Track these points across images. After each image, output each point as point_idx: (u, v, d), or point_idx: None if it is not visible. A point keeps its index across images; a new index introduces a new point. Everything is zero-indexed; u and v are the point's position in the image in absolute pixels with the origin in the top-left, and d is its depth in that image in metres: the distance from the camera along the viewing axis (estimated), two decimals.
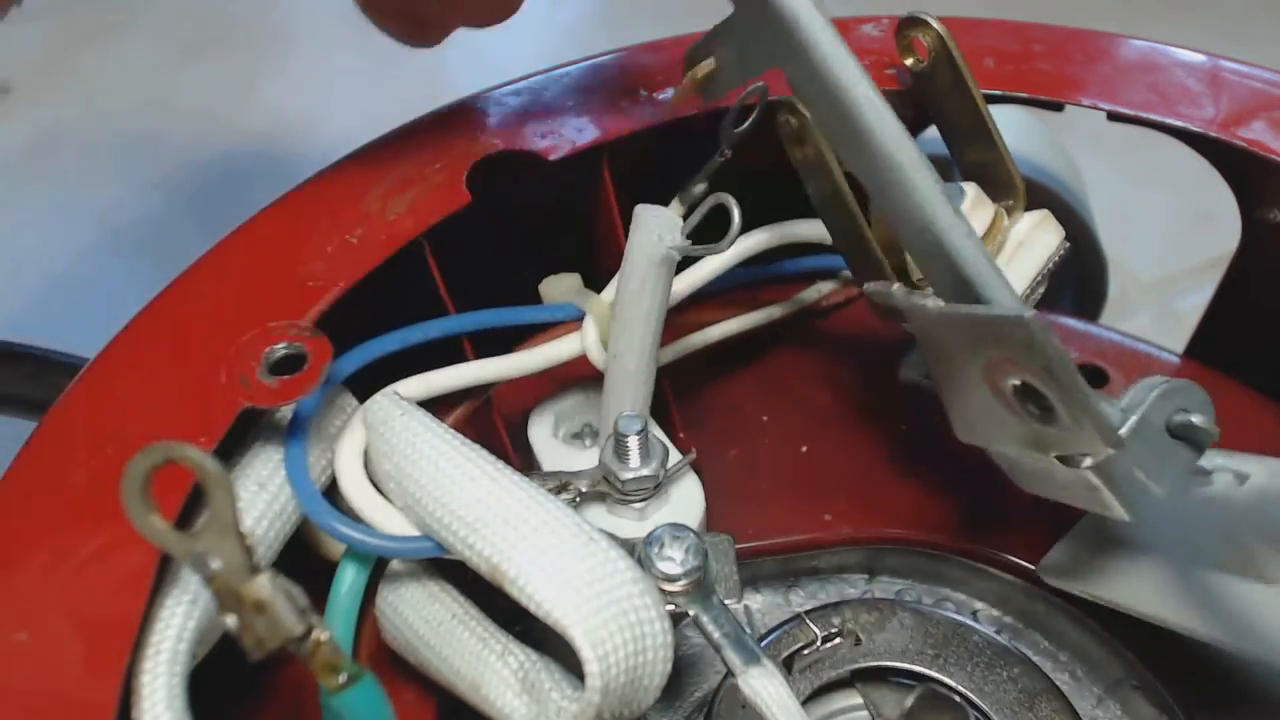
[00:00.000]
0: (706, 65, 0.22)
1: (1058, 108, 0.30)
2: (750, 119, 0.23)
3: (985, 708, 0.23)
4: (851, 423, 0.30)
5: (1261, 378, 0.31)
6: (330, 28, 0.89)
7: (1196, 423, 0.19)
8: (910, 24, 0.23)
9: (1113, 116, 0.29)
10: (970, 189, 0.23)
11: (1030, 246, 0.23)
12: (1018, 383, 0.18)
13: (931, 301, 0.19)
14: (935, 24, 0.22)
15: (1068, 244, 0.23)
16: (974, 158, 0.24)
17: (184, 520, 0.19)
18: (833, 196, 0.23)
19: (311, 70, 0.86)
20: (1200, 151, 0.29)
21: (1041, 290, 0.23)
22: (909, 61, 0.23)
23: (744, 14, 0.20)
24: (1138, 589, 0.22)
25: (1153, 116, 0.28)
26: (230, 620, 0.16)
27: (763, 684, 0.20)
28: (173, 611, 0.19)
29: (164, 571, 0.19)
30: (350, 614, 0.22)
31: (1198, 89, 0.29)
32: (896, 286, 0.19)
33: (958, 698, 0.23)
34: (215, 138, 0.80)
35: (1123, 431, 0.19)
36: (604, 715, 0.19)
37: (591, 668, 0.19)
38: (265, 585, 0.16)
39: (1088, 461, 0.19)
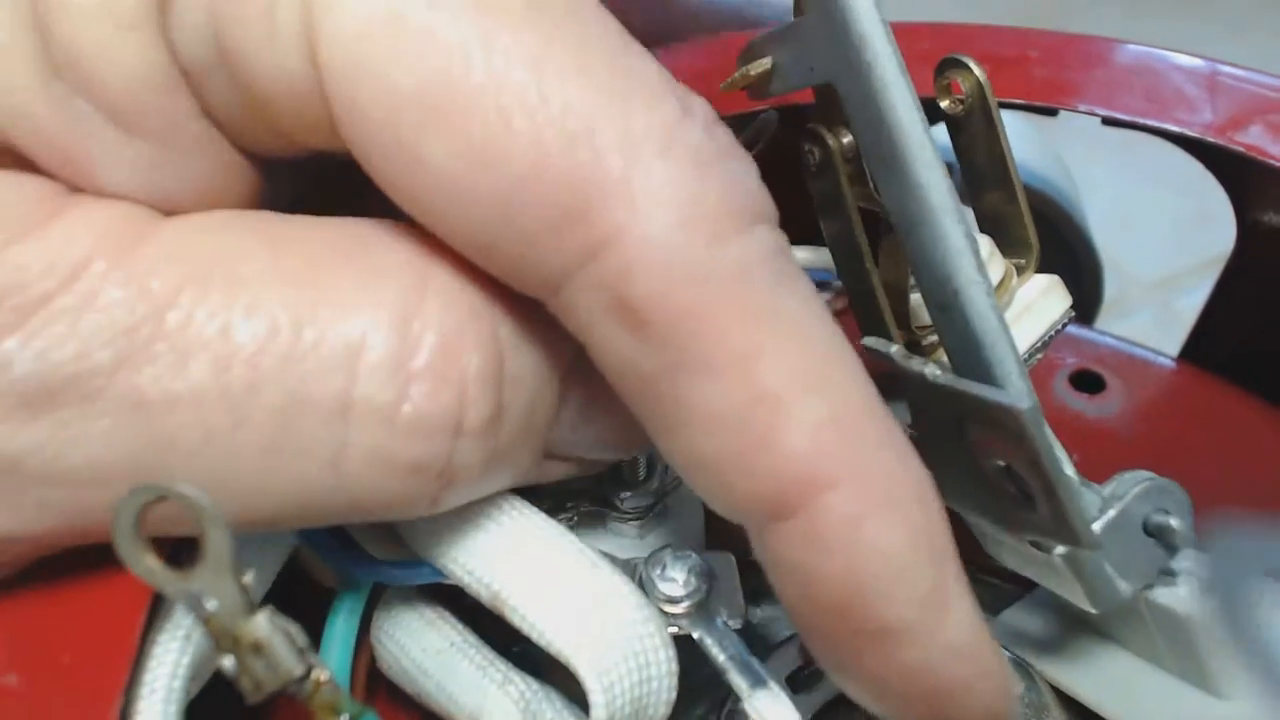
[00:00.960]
0: (761, 64, 0.21)
1: (1052, 113, 0.29)
2: (759, 145, 0.22)
3: None
4: None
5: (1257, 381, 0.31)
6: None
7: (1175, 526, 0.19)
8: (950, 65, 0.22)
9: (1107, 121, 0.29)
10: (985, 243, 0.23)
11: (1036, 312, 0.22)
12: (1002, 464, 0.18)
13: (929, 370, 0.18)
14: (975, 69, 0.22)
15: (1073, 312, 0.23)
16: (993, 210, 0.23)
17: (179, 553, 0.18)
18: (844, 239, 0.23)
19: None
20: (1196, 156, 0.29)
21: (1039, 357, 0.23)
22: (944, 104, 0.22)
23: (811, 22, 0.19)
24: (1084, 677, 0.22)
25: (1147, 122, 0.28)
26: (227, 662, 0.16)
27: (769, 707, 0.20)
28: (166, 648, 0.18)
29: (157, 606, 0.18)
30: (347, 642, 0.22)
31: (1193, 93, 0.29)
32: (895, 349, 0.19)
33: None
34: None
35: (1099, 523, 0.19)
36: None
37: (596, 699, 0.18)
38: (263, 625, 0.16)
39: (1059, 550, 0.19)
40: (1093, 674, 0.22)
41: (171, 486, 0.16)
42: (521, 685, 0.20)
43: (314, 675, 0.16)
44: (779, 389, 0.15)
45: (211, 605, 0.16)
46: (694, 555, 0.22)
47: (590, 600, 0.19)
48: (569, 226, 0.15)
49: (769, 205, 0.16)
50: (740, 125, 0.27)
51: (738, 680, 0.20)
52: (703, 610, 0.22)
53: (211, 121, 0.17)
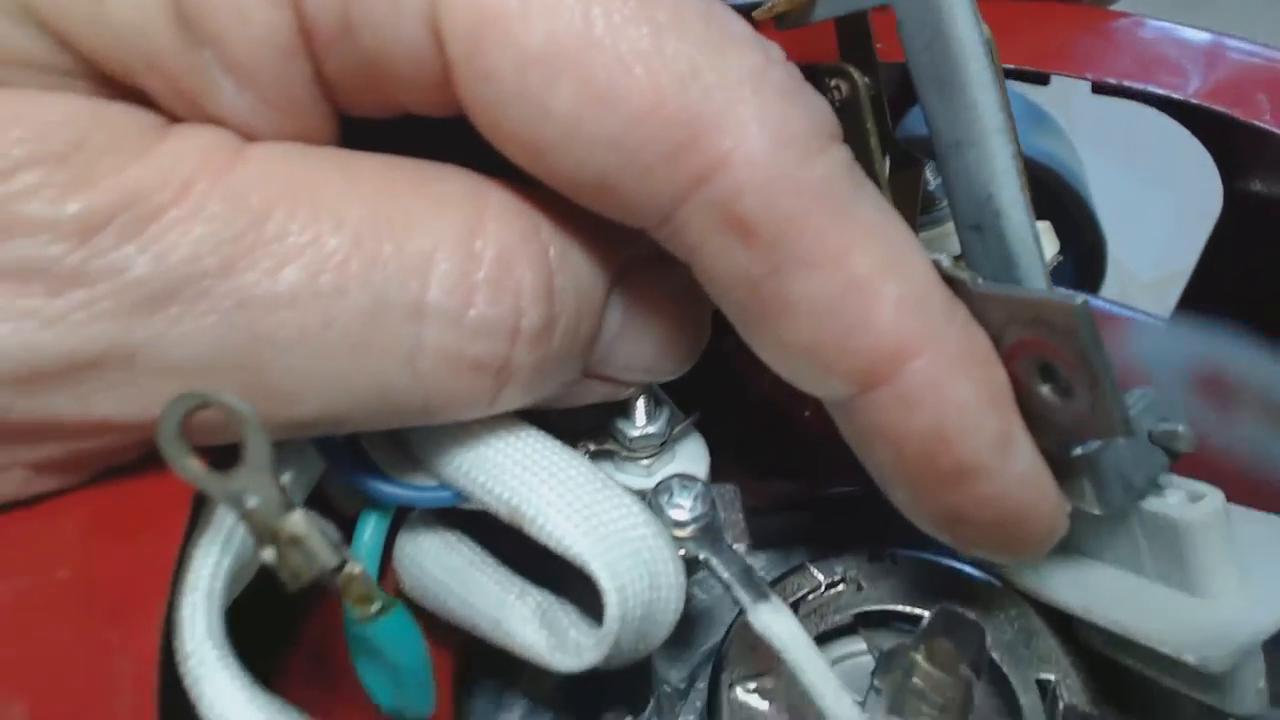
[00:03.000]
0: None
1: (1044, 80, 0.31)
2: None
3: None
4: None
5: None
6: None
7: (1181, 431, 0.20)
8: None
9: (1097, 88, 0.30)
10: None
11: None
12: (1040, 363, 0.19)
13: (969, 275, 0.19)
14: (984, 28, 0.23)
15: (1060, 256, 0.25)
16: None
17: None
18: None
19: None
20: (1182, 122, 0.30)
21: None
22: None
23: None
24: (1069, 588, 0.23)
25: (1135, 85, 0.29)
26: (268, 554, 0.17)
27: (772, 618, 0.21)
28: (207, 551, 0.19)
29: (198, 513, 0.19)
30: (372, 564, 0.23)
31: (1182, 60, 0.30)
32: (944, 257, 0.20)
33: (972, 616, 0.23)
34: None
35: None
36: (621, 646, 0.20)
37: (611, 598, 0.20)
38: (300, 520, 0.17)
39: (1078, 450, 0.20)
40: (1077, 585, 0.23)
41: (215, 394, 0.17)
42: (538, 596, 0.21)
43: (348, 568, 0.18)
44: (867, 275, 0.18)
45: (252, 502, 0.17)
46: (700, 483, 0.23)
47: (603, 513, 0.20)
48: (683, 156, 0.17)
49: (839, 127, 0.19)
50: None
51: (742, 594, 0.22)
52: (709, 534, 0.23)
53: (321, 86, 0.19)
